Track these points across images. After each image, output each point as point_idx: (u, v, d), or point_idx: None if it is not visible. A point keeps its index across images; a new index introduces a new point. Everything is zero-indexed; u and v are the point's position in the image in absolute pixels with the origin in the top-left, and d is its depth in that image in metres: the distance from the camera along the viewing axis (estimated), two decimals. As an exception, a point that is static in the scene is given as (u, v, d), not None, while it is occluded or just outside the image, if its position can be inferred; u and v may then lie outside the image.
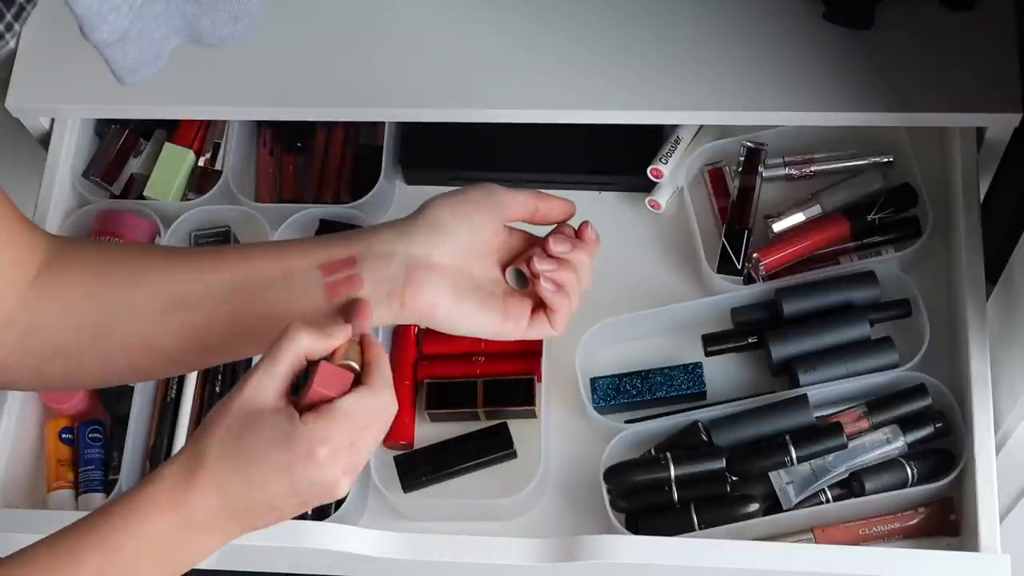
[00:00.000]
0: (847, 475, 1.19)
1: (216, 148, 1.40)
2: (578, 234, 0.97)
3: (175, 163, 1.39)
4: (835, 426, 1.18)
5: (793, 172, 1.33)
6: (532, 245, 0.97)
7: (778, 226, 1.29)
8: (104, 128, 1.42)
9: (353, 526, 1.19)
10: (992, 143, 1.26)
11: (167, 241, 1.34)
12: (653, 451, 1.22)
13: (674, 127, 1.34)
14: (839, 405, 1.22)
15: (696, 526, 1.18)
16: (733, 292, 1.27)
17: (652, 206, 1.34)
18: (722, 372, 1.27)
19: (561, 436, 1.26)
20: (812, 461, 1.19)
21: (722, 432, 1.20)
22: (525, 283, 0.97)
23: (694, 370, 1.26)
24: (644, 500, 1.20)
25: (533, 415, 1.26)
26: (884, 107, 1.23)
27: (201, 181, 1.39)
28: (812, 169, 1.33)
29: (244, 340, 0.93)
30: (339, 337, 0.88)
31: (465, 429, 1.27)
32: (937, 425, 1.20)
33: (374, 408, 0.86)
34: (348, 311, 0.91)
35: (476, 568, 1.17)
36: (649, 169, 1.33)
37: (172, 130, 1.41)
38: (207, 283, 0.94)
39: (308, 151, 1.40)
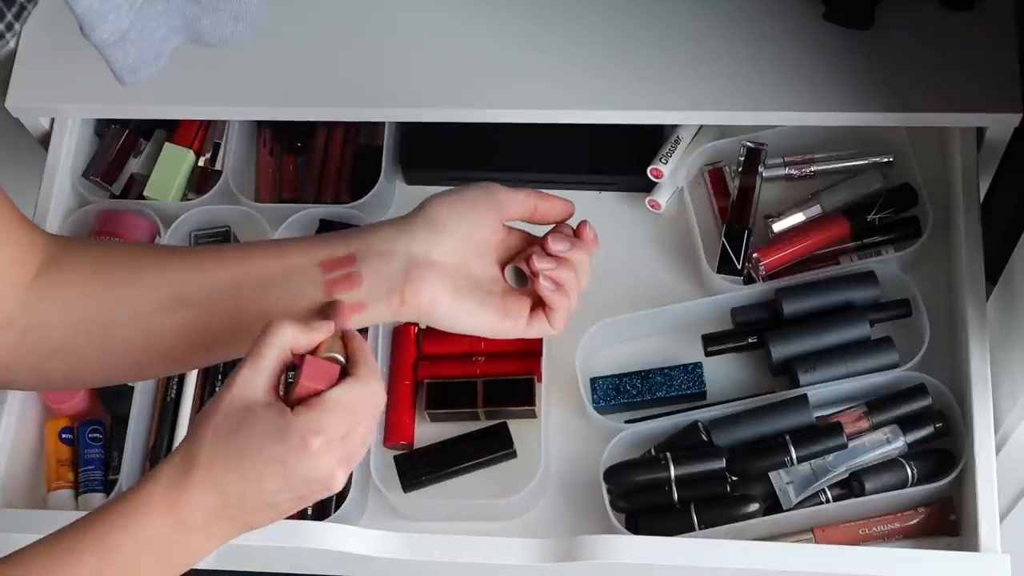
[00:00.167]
0: (847, 475, 1.19)
1: (216, 148, 1.40)
2: (577, 233, 0.97)
3: (175, 163, 1.39)
4: (835, 426, 1.18)
5: (793, 172, 1.33)
6: (531, 244, 0.97)
7: (778, 226, 1.29)
8: (104, 128, 1.42)
9: (353, 526, 1.19)
10: (992, 143, 1.26)
11: (167, 241, 1.34)
12: (653, 451, 1.22)
13: (674, 127, 1.34)
14: (839, 405, 1.22)
15: (696, 526, 1.18)
16: (733, 292, 1.27)
17: (652, 206, 1.34)
18: (722, 372, 1.27)
19: (561, 436, 1.26)
20: (812, 461, 1.19)
21: (722, 432, 1.20)
22: (524, 281, 0.97)
23: (694, 370, 1.26)
24: (644, 500, 1.19)
25: (533, 415, 1.26)
26: (884, 107, 1.23)
27: (201, 181, 1.39)
28: (812, 169, 1.33)
29: (244, 338, 0.93)
30: (322, 331, 0.88)
31: (465, 429, 1.27)
32: (937, 425, 1.20)
33: (364, 397, 0.86)
34: (327, 311, 0.92)
35: (476, 568, 1.17)
36: (649, 169, 1.33)
37: (172, 130, 1.41)
38: (207, 281, 0.94)
39: (308, 151, 1.40)
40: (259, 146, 1.41)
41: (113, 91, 1.15)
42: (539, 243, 0.96)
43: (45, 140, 1.39)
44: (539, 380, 1.26)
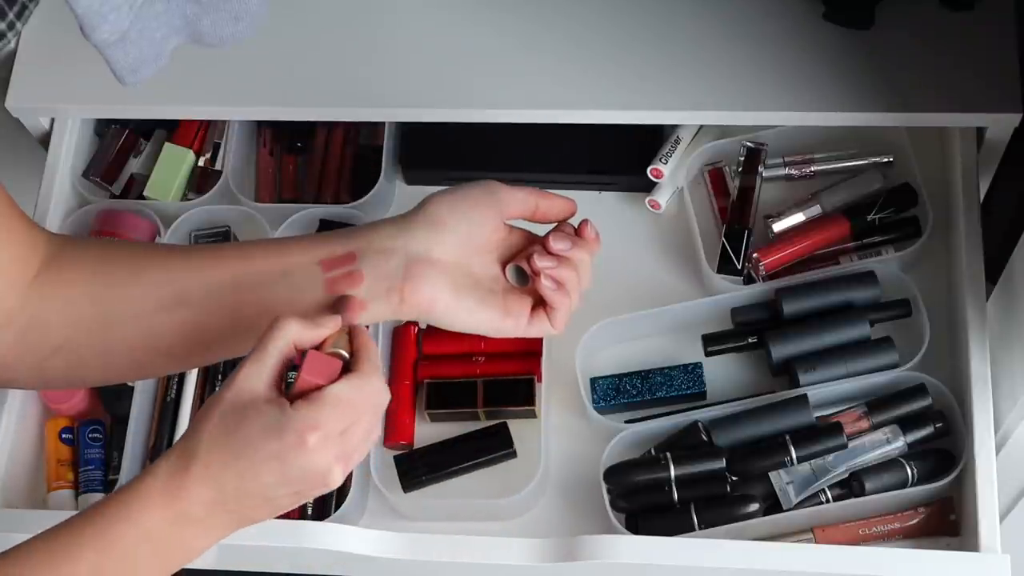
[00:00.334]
0: (847, 475, 1.19)
1: (216, 148, 1.40)
2: (578, 232, 0.97)
3: (175, 163, 1.39)
4: (835, 426, 1.18)
5: (793, 172, 1.33)
6: (532, 243, 0.97)
7: (778, 226, 1.29)
8: (104, 128, 1.42)
9: (353, 526, 1.19)
10: (992, 143, 1.26)
11: (167, 241, 1.34)
12: (653, 451, 1.22)
13: (674, 127, 1.34)
14: (839, 405, 1.22)
15: (696, 526, 1.17)
16: (733, 292, 1.27)
17: (652, 206, 1.34)
18: (722, 372, 1.27)
19: (561, 436, 1.26)
20: (812, 461, 1.19)
21: (722, 432, 1.20)
22: (525, 280, 0.97)
23: (694, 370, 1.26)
24: (644, 500, 1.19)
25: (533, 415, 1.25)
26: (884, 107, 1.23)
27: (201, 181, 1.39)
28: (812, 169, 1.33)
29: (244, 337, 0.93)
30: (328, 327, 0.88)
31: (465, 429, 1.27)
32: (937, 425, 1.20)
33: (365, 394, 0.86)
34: (338, 306, 0.91)
35: (476, 568, 1.17)
36: (649, 169, 1.33)
37: (172, 130, 1.41)
38: (207, 280, 0.94)
39: (308, 151, 1.40)
40: (259, 146, 1.41)
41: (113, 91, 1.15)
42: (540, 242, 0.96)
43: (45, 140, 1.39)
44: (539, 380, 1.26)
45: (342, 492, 1.23)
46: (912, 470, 1.18)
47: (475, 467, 1.25)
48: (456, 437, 1.26)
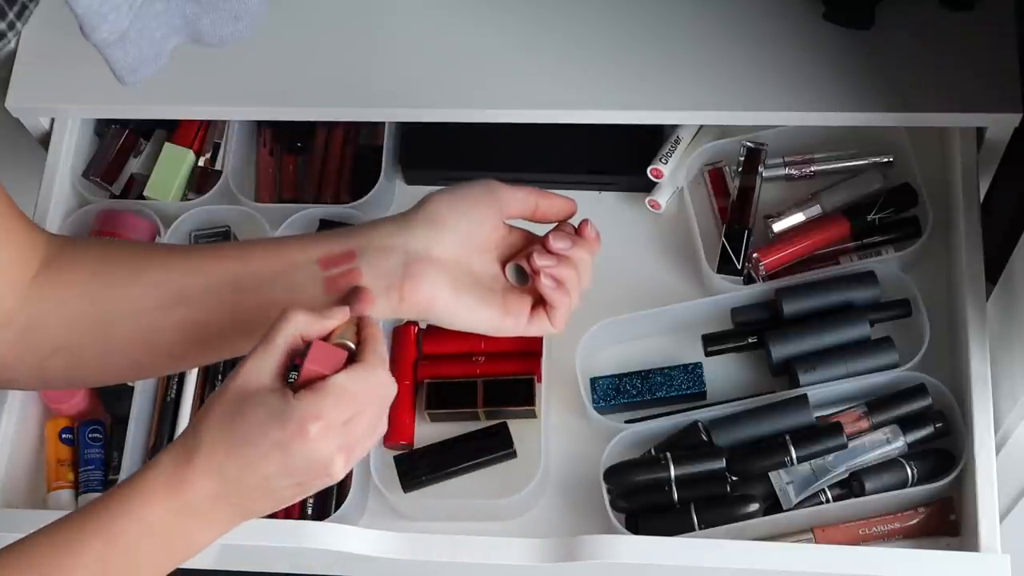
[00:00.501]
0: (847, 475, 1.19)
1: (216, 148, 1.40)
2: (578, 232, 0.97)
3: (175, 163, 1.39)
4: (835, 426, 1.18)
5: (793, 172, 1.33)
6: (532, 242, 0.97)
7: (778, 226, 1.29)
8: (104, 128, 1.42)
9: (353, 526, 1.19)
10: (992, 143, 1.26)
11: (167, 241, 1.34)
12: (653, 451, 1.22)
13: (674, 127, 1.34)
14: (839, 405, 1.22)
15: (696, 526, 1.17)
16: (733, 292, 1.27)
17: (652, 206, 1.34)
18: (722, 372, 1.27)
19: (561, 436, 1.26)
20: (812, 461, 1.19)
21: (722, 432, 1.20)
22: (525, 279, 0.97)
23: (694, 370, 1.26)
24: (644, 500, 1.19)
25: (533, 415, 1.25)
26: (884, 107, 1.23)
27: (201, 181, 1.39)
28: (812, 169, 1.33)
29: (244, 335, 0.93)
30: (336, 318, 0.87)
31: (465, 429, 1.27)
32: (937, 425, 1.20)
33: (369, 385, 0.85)
34: (349, 298, 0.91)
35: (476, 568, 1.17)
36: (649, 169, 1.33)
37: (172, 130, 1.41)
38: (207, 279, 0.94)
39: (308, 151, 1.40)
40: (259, 146, 1.41)
41: (113, 91, 1.15)
42: (540, 241, 0.96)
43: (45, 140, 1.39)
44: (539, 380, 1.26)
45: (342, 492, 1.23)
46: (912, 470, 1.18)
47: (475, 467, 1.25)
48: (456, 437, 1.26)
